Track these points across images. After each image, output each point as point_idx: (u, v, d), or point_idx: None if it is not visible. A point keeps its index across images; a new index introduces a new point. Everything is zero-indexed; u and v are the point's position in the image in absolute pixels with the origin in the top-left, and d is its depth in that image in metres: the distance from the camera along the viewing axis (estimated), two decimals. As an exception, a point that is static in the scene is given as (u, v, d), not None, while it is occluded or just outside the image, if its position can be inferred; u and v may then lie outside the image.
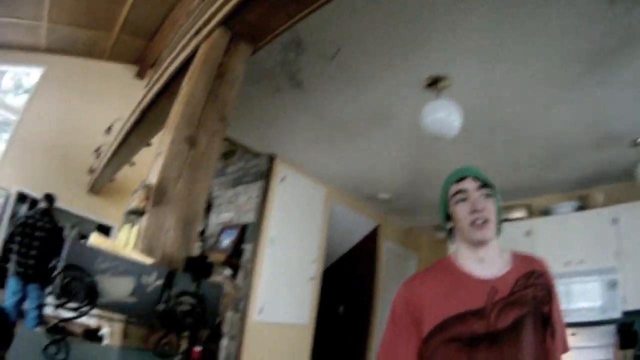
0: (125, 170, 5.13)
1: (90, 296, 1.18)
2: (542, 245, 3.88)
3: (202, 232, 4.28)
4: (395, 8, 2.15)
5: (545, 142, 3.40)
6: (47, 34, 5.30)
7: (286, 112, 3.35)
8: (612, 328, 3.34)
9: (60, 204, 4.38)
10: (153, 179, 1.62)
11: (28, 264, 3.98)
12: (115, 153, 4.18)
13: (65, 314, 1.21)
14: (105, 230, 5.92)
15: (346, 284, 5.50)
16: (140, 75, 6.29)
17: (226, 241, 4.09)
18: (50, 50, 5.64)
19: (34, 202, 5.21)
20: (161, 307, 1.30)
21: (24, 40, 5.39)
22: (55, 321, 1.21)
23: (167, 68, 2.62)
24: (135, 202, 1.60)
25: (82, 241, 1.31)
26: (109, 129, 4.72)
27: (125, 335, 1.40)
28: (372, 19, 2.24)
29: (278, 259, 4.03)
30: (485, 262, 1.14)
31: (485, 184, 1.17)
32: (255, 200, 4.08)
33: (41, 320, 3.84)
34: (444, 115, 2.65)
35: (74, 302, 1.17)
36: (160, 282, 1.32)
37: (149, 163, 1.76)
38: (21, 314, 4.07)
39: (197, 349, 3.72)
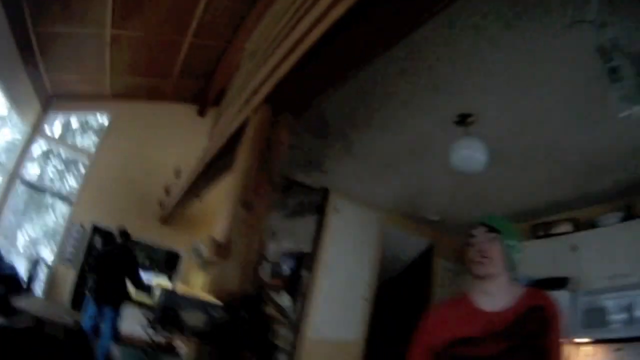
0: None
1: (179, 326, 1.84)
2: (588, 260, 4.05)
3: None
4: (419, 56, 2.53)
5: (580, 157, 3.59)
6: (111, 83, 6.38)
7: (334, 153, 3.96)
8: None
9: (132, 233, 5.26)
10: (219, 236, 2.27)
11: (105, 290, 4.85)
12: (183, 196, 5.06)
13: (156, 336, 1.86)
14: (174, 256, 6.95)
15: (400, 303, 5.93)
16: (201, 113, 7.25)
17: (285, 268, 4.80)
18: (115, 97, 6.76)
19: (108, 234, 6.23)
20: (224, 332, 1.93)
21: (90, 90, 6.56)
22: (153, 343, 1.86)
23: (224, 131, 3.33)
24: (205, 251, 2.27)
25: (172, 289, 1.98)
26: (177, 173, 5.62)
27: (199, 353, 2.05)
28: (401, 67, 2.63)
29: (333, 283, 4.68)
30: (489, 295, 1.40)
31: (492, 230, 1.44)
32: (311, 230, 4.75)
33: (114, 338, 4.68)
34: (469, 153, 3.02)
35: (167, 329, 1.83)
36: (225, 316, 1.96)
37: (215, 198, 2.28)
38: (96, 333, 4.98)
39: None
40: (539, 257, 4.43)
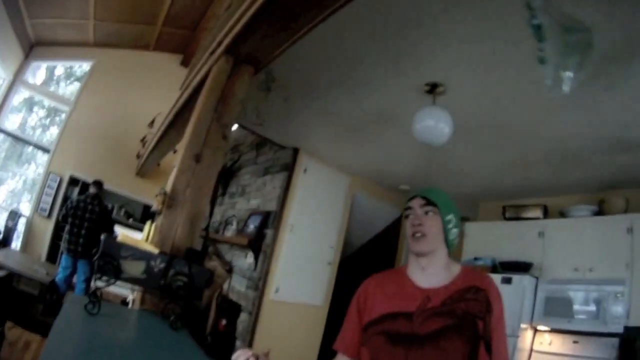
0: (169, 156, 5.98)
1: (116, 273, 1.84)
2: (554, 248, 4.10)
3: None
4: (387, 19, 2.38)
5: (555, 144, 3.50)
6: (95, 31, 6.23)
7: (303, 113, 3.85)
8: (615, 341, 3.35)
9: (109, 186, 5.25)
10: (168, 187, 2.27)
11: (78, 242, 4.88)
12: (156, 145, 5.01)
13: (101, 284, 1.87)
14: (150, 209, 6.93)
15: (367, 271, 6.02)
16: (185, 63, 7.08)
17: (251, 226, 4.79)
18: (99, 44, 6.60)
19: (84, 186, 6.22)
20: (162, 282, 1.95)
21: (73, 37, 6.36)
22: (94, 289, 1.86)
23: (191, 82, 3.27)
24: (155, 204, 2.27)
25: (113, 237, 1.97)
26: (151, 123, 5.54)
27: (142, 301, 2.08)
28: (369, 27, 2.47)
29: (296, 244, 4.68)
30: (426, 271, 1.36)
31: (430, 203, 1.37)
32: (279, 189, 4.72)
33: (88, 291, 4.74)
34: (433, 123, 2.89)
35: (106, 276, 1.83)
36: (163, 265, 1.96)
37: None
38: (71, 287, 5.01)
39: (223, 321, 4.45)
40: (506, 240, 4.49)
